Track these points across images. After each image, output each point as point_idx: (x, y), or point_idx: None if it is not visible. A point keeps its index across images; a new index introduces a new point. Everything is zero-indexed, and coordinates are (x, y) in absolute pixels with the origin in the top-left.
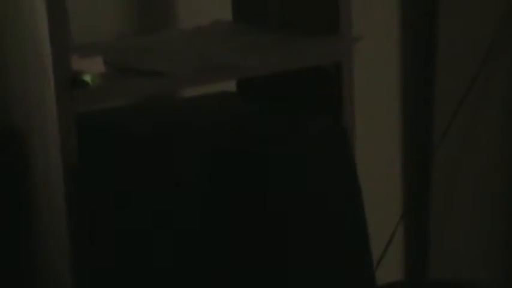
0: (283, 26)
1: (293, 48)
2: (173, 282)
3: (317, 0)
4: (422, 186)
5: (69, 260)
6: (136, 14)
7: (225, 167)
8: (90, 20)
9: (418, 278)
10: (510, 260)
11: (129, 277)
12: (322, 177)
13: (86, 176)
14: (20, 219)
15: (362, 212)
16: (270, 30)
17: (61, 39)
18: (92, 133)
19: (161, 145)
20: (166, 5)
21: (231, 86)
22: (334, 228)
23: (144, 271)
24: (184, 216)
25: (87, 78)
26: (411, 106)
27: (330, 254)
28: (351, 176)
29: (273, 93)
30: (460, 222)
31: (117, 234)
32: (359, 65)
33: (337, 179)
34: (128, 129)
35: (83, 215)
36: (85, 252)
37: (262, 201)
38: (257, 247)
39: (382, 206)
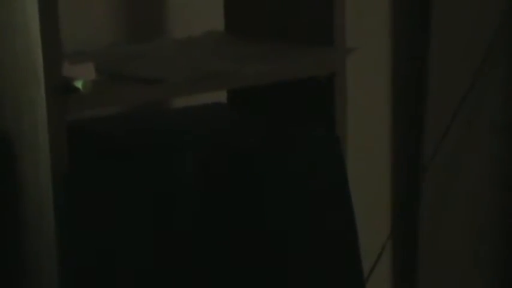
0: (276, 36)
1: (287, 59)
2: (169, 286)
3: (310, 11)
4: (411, 203)
5: (57, 266)
6: (128, 24)
7: (220, 176)
8: (82, 30)
9: None
10: (499, 278)
11: (122, 281)
12: (314, 186)
13: (76, 182)
14: (8, 225)
15: (353, 222)
16: (263, 41)
17: (53, 44)
18: (82, 140)
19: (154, 153)
20: (158, 15)
21: (222, 98)
22: (326, 238)
23: (138, 275)
24: (180, 223)
25: (79, 84)
26: (402, 122)
27: (321, 263)
28: (343, 186)
29: (264, 104)
30: (449, 239)
31: (108, 239)
32: (351, 76)
33: (330, 188)
34: (120, 137)
35: (72, 222)
36: (76, 258)
37: (257, 209)
38: (251, 252)
39: (370, 223)
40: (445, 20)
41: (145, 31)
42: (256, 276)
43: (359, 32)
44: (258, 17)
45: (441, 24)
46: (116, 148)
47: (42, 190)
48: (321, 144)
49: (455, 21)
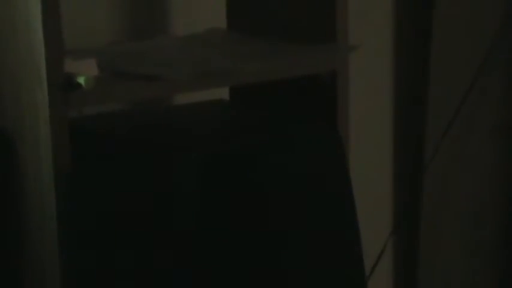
0: (278, 34)
1: (289, 56)
2: (169, 286)
3: (313, 8)
4: (412, 202)
5: (59, 265)
6: (130, 21)
7: (220, 174)
8: (84, 26)
9: None
10: (498, 278)
11: (122, 280)
12: (316, 185)
13: (77, 180)
14: (9, 223)
15: (355, 221)
16: (266, 38)
17: (55, 41)
18: (85, 137)
19: (155, 151)
20: (160, 12)
21: (224, 95)
22: (327, 237)
23: (138, 274)
24: (181, 222)
25: (81, 80)
26: (403, 123)
27: (323, 262)
28: (345, 185)
29: (266, 102)
30: (450, 239)
31: (109, 238)
32: (352, 74)
33: (331, 187)
34: (121, 135)
35: (74, 220)
36: (77, 257)
37: (258, 208)
38: (251, 252)
39: (371, 222)
40: (446, 20)
41: (147, 28)
42: (256, 276)
43: (361, 31)
44: (260, 15)
45: (442, 24)
46: (118, 146)
47: (44, 188)
48: (323, 143)
49: (456, 22)
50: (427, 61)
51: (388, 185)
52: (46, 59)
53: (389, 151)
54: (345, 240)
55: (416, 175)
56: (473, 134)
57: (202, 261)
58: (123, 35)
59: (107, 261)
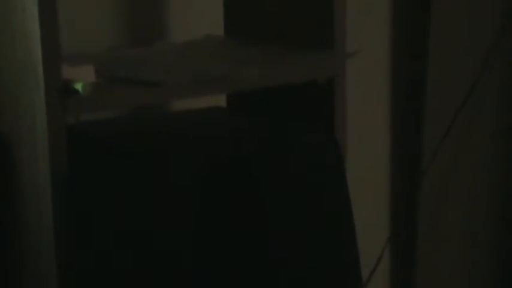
0: (276, 40)
1: (287, 62)
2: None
3: (310, 14)
4: (410, 205)
5: (56, 268)
6: (128, 27)
7: (218, 180)
8: (82, 32)
9: None
10: (497, 281)
11: (120, 281)
12: (314, 189)
13: (74, 185)
14: (7, 227)
15: (352, 225)
16: (263, 44)
17: (52, 47)
18: (81, 143)
19: (153, 157)
20: (158, 19)
21: (221, 101)
22: (324, 240)
23: (136, 275)
24: (179, 227)
25: (78, 86)
26: (401, 126)
27: (320, 266)
28: (342, 189)
29: (264, 107)
30: (447, 245)
31: (106, 242)
32: (350, 77)
33: (329, 191)
34: (119, 141)
35: (71, 224)
36: (74, 262)
37: (256, 212)
38: (250, 255)
39: (369, 227)
40: (445, 22)
41: (145, 34)
42: (254, 278)
43: (359, 34)
44: (257, 21)
45: (441, 26)
46: (115, 152)
47: (41, 193)
48: (320, 147)
49: (456, 23)
50: (425, 64)
51: (386, 189)
52: (43, 63)
53: (387, 154)
54: (342, 243)
55: (415, 179)
56: (472, 137)
57: (202, 263)
58: (122, 41)
59: (104, 262)
